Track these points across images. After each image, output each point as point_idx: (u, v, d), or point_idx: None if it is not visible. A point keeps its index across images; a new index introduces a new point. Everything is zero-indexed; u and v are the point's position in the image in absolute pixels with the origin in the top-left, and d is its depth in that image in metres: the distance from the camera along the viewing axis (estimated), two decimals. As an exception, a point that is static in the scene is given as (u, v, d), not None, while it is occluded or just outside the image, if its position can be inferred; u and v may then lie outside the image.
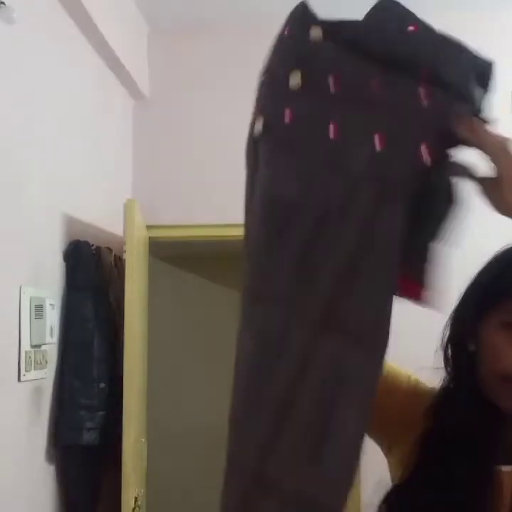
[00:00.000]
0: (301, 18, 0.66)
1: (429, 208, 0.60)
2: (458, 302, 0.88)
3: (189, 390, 4.33)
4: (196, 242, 3.49)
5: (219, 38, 3.29)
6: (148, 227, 2.97)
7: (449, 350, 0.88)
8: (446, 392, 0.85)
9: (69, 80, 2.42)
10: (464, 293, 0.88)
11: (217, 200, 3.14)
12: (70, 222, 2.35)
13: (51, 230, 2.23)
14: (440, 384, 0.87)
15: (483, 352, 0.82)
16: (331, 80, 0.60)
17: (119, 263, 2.61)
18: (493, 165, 0.66)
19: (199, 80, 3.29)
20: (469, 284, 0.87)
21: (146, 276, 2.95)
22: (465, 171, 0.62)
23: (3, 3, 1.79)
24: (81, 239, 2.37)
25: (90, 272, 2.37)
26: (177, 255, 4.20)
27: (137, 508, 2.48)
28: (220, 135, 3.22)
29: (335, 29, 0.65)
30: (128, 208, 2.50)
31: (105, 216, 2.72)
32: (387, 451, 0.88)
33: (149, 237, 3.00)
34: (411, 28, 0.62)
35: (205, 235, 3.25)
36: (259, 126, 0.61)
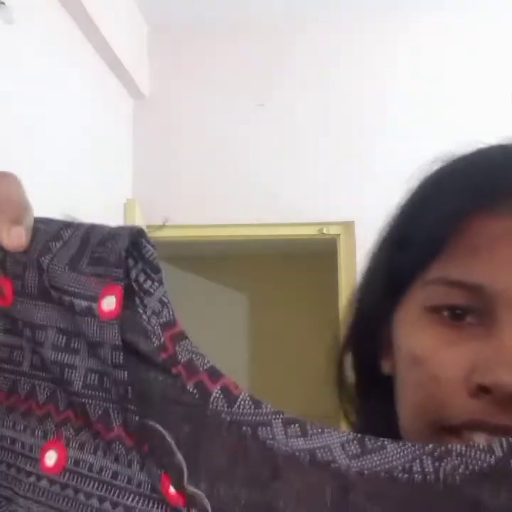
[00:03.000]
0: None
1: None
2: (358, 290, 0.55)
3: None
4: (196, 242, 3.49)
5: (219, 38, 3.29)
6: (148, 227, 2.97)
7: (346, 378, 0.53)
8: None
9: (69, 80, 2.42)
10: (367, 270, 0.53)
11: (217, 201, 3.14)
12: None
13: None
14: None
15: (404, 369, 0.46)
16: None
17: (119, 263, 2.60)
18: None
19: (199, 80, 3.29)
20: (375, 248, 0.52)
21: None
22: None
23: (3, 3, 1.79)
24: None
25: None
26: (177, 255, 4.20)
27: None
28: (220, 135, 3.22)
29: None
30: (128, 208, 2.51)
31: (105, 216, 2.71)
32: None
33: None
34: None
35: (205, 235, 3.25)
36: None
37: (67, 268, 0.40)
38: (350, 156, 3.19)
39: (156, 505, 0.38)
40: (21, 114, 2.01)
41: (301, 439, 0.38)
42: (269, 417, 0.39)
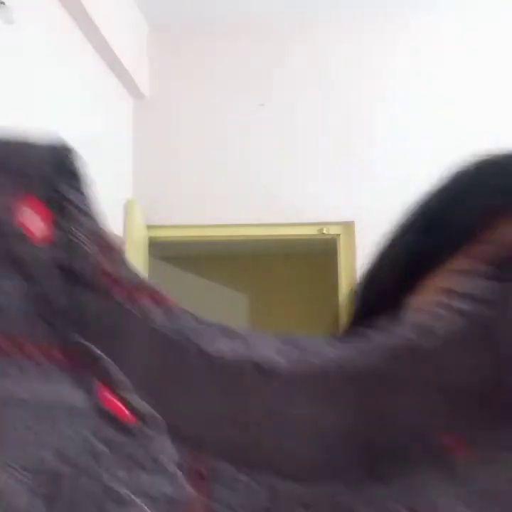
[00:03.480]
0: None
1: None
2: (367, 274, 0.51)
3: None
4: (196, 242, 3.49)
5: (219, 38, 3.29)
6: (148, 227, 2.97)
7: None
8: None
9: (69, 80, 2.42)
10: (379, 255, 0.50)
11: (217, 200, 3.14)
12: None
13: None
14: None
15: None
16: None
17: (119, 263, 2.60)
18: None
19: (199, 79, 3.29)
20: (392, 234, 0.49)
21: (146, 276, 2.95)
22: None
23: (3, 3, 1.79)
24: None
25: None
26: (177, 255, 4.20)
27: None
28: (220, 135, 3.22)
29: None
30: (128, 208, 2.51)
31: (105, 216, 2.72)
32: None
33: (149, 237, 3.00)
34: None
35: (205, 235, 3.25)
36: None
37: None
38: (350, 156, 3.19)
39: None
40: (21, 114, 2.01)
41: (243, 348, 0.39)
42: (208, 328, 0.39)
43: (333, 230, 3.20)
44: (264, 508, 0.36)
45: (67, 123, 2.41)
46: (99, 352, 0.37)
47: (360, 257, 3.13)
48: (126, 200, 2.54)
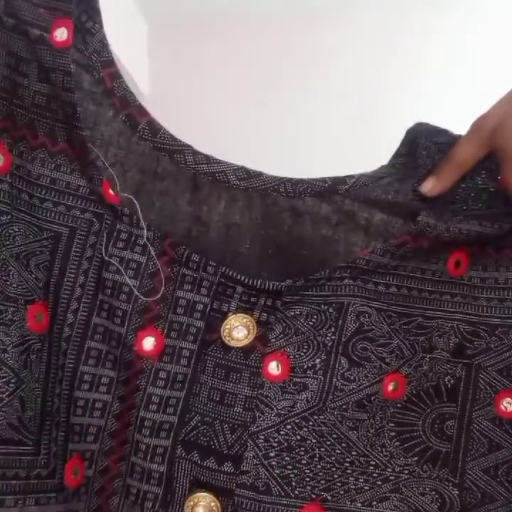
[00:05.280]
0: None
1: None
2: None
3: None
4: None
5: (219, 38, 3.30)
6: (148, 227, 2.97)
7: None
8: None
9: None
10: None
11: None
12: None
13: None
14: None
15: None
16: None
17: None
18: None
19: (199, 79, 3.29)
20: None
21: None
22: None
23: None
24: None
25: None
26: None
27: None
28: (219, 135, 3.22)
29: None
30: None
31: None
32: None
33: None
34: None
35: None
36: None
37: None
38: (351, 156, 3.18)
39: (93, 205, 0.45)
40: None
41: (205, 165, 0.50)
42: (183, 147, 0.51)
43: (333, 230, 3.20)
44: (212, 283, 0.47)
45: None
46: (96, 151, 0.45)
47: (360, 257, 3.13)
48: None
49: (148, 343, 0.45)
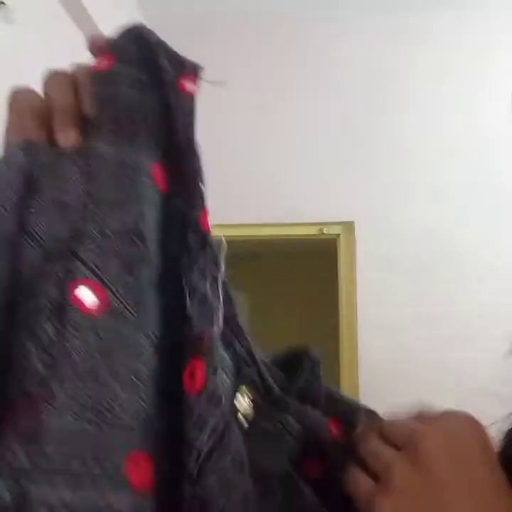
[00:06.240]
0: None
1: None
2: None
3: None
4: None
5: (219, 38, 3.29)
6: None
7: None
8: None
9: (69, 80, 2.42)
10: None
11: (217, 200, 3.12)
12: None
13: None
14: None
15: None
16: None
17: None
18: None
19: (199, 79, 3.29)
20: None
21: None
22: None
23: (3, 3, 1.79)
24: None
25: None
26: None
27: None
28: (219, 135, 3.22)
29: None
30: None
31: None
32: None
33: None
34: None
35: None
36: None
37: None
38: (351, 156, 3.19)
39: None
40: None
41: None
42: None
43: (333, 230, 3.20)
44: None
45: (67, 123, 2.41)
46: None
47: (360, 257, 3.13)
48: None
49: None
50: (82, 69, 0.50)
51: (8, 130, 0.45)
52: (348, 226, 3.16)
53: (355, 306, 3.11)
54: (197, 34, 3.28)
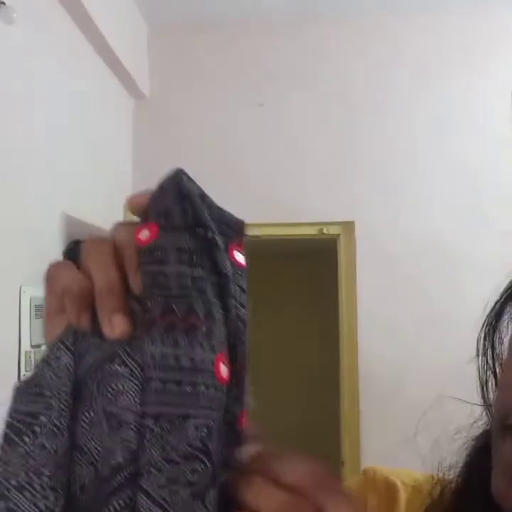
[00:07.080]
0: None
1: None
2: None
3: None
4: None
5: (219, 38, 3.29)
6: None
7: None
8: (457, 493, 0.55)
9: (69, 80, 2.42)
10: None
11: (216, 200, 3.12)
12: (70, 222, 2.35)
13: (51, 230, 2.23)
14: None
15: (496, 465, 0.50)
16: None
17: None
18: None
19: (199, 79, 3.29)
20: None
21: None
22: None
23: (3, 3, 1.79)
24: (81, 239, 2.37)
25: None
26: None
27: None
28: (219, 135, 3.22)
29: None
30: (128, 208, 2.50)
31: (105, 216, 2.72)
32: None
33: (149, 237, 3.00)
34: None
35: (205, 234, 3.25)
36: None
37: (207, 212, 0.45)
38: (351, 156, 3.19)
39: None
40: (21, 114, 2.01)
41: None
42: None
43: (333, 230, 3.20)
44: None
45: (67, 123, 2.41)
46: None
47: (360, 256, 3.13)
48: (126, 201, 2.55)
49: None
50: (124, 235, 0.42)
51: (49, 313, 0.41)
52: (348, 226, 3.16)
53: (355, 306, 3.12)
54: (197, 34, 3.28)
